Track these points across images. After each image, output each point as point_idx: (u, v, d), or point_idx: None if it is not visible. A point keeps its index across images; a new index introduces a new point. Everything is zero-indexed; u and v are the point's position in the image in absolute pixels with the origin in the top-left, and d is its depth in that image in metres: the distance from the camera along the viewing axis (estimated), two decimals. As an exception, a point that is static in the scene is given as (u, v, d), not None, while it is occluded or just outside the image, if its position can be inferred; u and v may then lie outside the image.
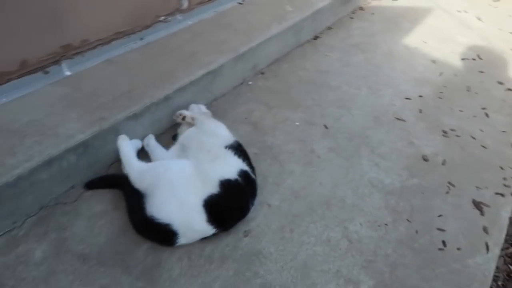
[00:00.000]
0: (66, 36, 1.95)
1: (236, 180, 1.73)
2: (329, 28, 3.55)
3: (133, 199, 1.68)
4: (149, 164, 1.81)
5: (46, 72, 1.94)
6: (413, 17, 4.06)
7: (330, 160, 2.23)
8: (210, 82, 2.34)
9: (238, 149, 1.88)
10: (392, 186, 2.15)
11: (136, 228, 1.65)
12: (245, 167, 1.82)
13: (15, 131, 1.68)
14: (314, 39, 3.34)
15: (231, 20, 2.78)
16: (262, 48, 2.68)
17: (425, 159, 2.37)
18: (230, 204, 1.71)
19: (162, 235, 1.58)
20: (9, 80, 1.80)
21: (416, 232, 1.94)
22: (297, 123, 2.44)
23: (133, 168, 1.74)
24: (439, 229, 1.97)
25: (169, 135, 2.14)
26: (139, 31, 2.33)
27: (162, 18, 2.46)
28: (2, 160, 1.54)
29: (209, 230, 1.64)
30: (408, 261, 1.80)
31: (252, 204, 1.82)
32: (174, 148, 1.98)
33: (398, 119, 2.63)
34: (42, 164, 1.59)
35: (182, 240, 1.60)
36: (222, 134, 1.95)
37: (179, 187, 1.64)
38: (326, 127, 2.45)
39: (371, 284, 1.69)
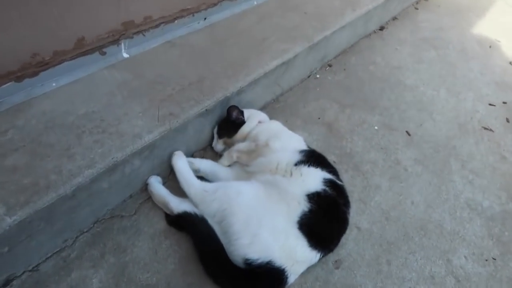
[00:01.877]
0: (129, 11, 1.62)
1: (324, 190, 1.42)
2: (395, 18, 3.18)
3: (212, 250, 1.31)
4: (215, 184, 1.45)
5: (103, 53, 1.62)
6: (479, 11, 3.68)
7: (419, 175, 1.92)
8: (281, 74, 2.01)
9: (312, 158, 1.53)
10: (492, 210, 1.84)
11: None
12: (327, 175, 1.50)
13: (71, 125, 1.37)
14: (380, 29, 2.99)
15: (299, 3, 2.42)
16: (335, 37, 2.34)
17: (523, 178, 2.05)
18: (327, 219, 1.40)
19: (268, 279, 1.26)
20: (62, 61, 1.48)
21: (529, 270, 1.64)
22: (376, 127, 2.12)
23: (196, 187, 1.40)
24: (555, 267, 1.67)
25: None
26: (204, 9, 1.99)
27: (228, -5, 2.11)
28: (59, 164, 1.24)
29: (314, 256, 1.34)
30: (525, 307, 1.51)
31: (349, 214, 1.50)
32: (235, 168, 1.64)
33: (485, 128, 2.30)
34: (105, 171, 1.29)
35: (291, 277, 1.29)
36: (286, 149, 1.59)
37: (264, 213, 1.32)
38: (408, 133, 2.13)
39: (489, 337, 1.40)
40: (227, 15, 2.14)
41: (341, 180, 1.56)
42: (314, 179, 1.45)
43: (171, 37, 1.87)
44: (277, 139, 1.61)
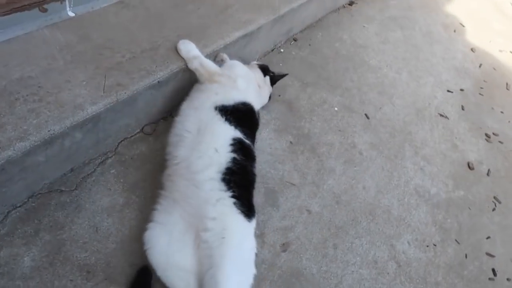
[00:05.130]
0: (75, -36, 1.45)
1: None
2: (365, -7, 3.11)
3: None
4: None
5: (44, 10, 1.45)
6: (449, -7, 3.67)
7: (373, 159, 1.93)
8: (243, 47, 1.91)
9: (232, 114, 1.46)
10: (438, 198, 1.90)
11: None
12: (237, 133, 1.42)
13: (2, 91, 1.24)
14: (350, 4, 2.91)
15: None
16: (302, 10, 2.24)
17: (470, 167, 2.12)
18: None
19: None
20: (-7, 16, 1.31)
21: (466, 256, 1.72)
22: (335, 108, 2.09)
23: None
24: (488, 254, 1.77)
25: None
26: (163, -33, 1.83)
27: (190, -46, 1.95)
28: (-16, 135, 1.12)
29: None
30: (459, 292, 1.59)
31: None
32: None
33: (441, 115, 2.34)
34: (41, 144, 1.18)
35: None
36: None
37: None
38: (367, 116, 2.12)
39: (422, 321, 1.47)
40: (190, -24, 1.98)
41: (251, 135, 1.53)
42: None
43: (123, -3, 1.71)
44: (245, 80, 1.62)
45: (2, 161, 1.10)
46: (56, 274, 1.20)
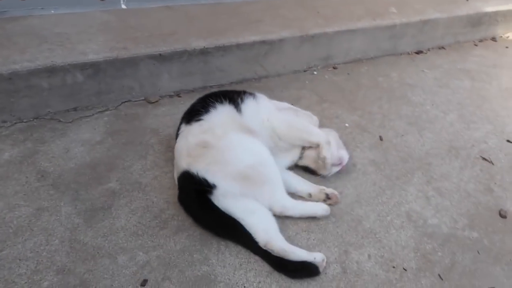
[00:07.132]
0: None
1: None
2: (441, 47, 3.01)
3: None
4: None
5: (101, -1, 1.95)
6: None
7: (366, 174, 1.80)
8: (263, 55, 2.11)
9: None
10: (436, 229, 1.62)
11: None
12: None
13: (41, 36, 1.71)
14: (417, 53, 2.86)
15: (319, 5, 2.52)
16: (341, 39, 2.35)
17: (502, 215, 1.75)
18: None
19: None
20: (61, -7, 1.85)
21: (444, 296, 1.40)
22: (346, 125, 2.05)
23: None
24: (481, 303, 1.40)
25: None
26: (211, -13, 2.24)
27: (241, -18, 2.33)
28: (8, 54, 1.56)
29: None
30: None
31: None
32: None
33: (484, 159, 2.03)
34: (43, 70, 1.56)
35: None
36: None
37: None
38: (381, 138, 2.01)
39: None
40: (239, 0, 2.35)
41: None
42: None
43: (173, 3, 2.14)
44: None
45: (10, 71, 1.51)
46: (19, 170, 1.49)
